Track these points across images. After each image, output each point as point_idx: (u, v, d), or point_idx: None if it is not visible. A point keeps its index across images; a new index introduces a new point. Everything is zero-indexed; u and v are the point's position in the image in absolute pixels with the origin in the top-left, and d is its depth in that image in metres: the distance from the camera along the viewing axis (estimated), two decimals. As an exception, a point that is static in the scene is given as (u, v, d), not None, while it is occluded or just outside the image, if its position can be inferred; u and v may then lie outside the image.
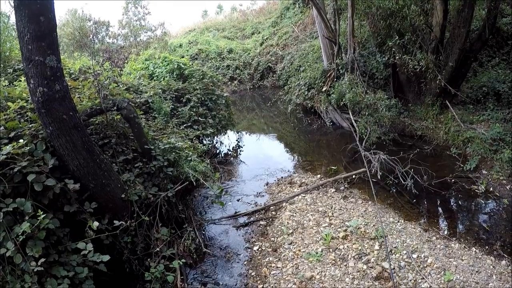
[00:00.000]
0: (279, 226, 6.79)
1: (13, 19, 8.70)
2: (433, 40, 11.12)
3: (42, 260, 3.80)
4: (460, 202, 7.79)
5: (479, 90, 11.31)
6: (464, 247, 5.91)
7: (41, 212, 3.89)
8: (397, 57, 11.21)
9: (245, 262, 6.03)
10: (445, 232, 6.51)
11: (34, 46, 4.06)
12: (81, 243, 4.33)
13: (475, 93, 11.34)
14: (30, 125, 4.77)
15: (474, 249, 5.83)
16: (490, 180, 8.13)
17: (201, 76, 11.15)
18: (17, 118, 4.96)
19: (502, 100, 10.59)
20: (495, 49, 14.06)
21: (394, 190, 8.14)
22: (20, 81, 6.32)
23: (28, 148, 4.30)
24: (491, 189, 7.88)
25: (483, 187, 7.89)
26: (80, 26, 17.57)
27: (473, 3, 10.23)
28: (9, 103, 5.10)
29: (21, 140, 4.30)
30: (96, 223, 4.41)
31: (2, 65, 7.71)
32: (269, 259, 5.94)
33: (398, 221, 6.72)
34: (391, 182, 8.34)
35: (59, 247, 4.31)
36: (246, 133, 14.52)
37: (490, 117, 9.96)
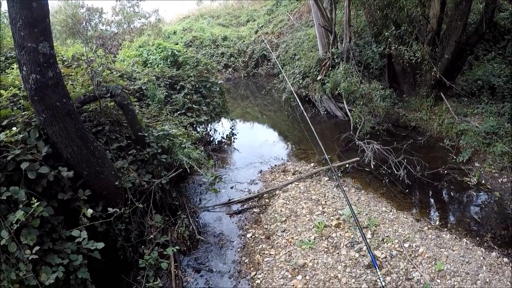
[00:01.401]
0: (273, 214, 6.83)
1: (4, 6, 8.65)
2: (429, 32, 11.10)
3: (37, 248, 3.81)
4: (452, 194, 7.84)
5: (474, 83, 11.33)
6: (455, 238, 5.99)
7: (35, 200, 3.89)
8: (393, 48, 11.18)
9: (239, 249, 6.08)
10: (437, 223, 6.57)
11: (26, 32, 4.01)
12: (75, 230, 4.34)
13: (470, 86, 11.35)
14: (23, 113, 4.74)
15: (465, 240, 5.91)
16: (482, 172, 8.18)
17: (195, 63, 11.09)
18: (9, 106, 4.93)
19: (496, 94, 10.64)
20: (491, 43, 14.06)
21: (387, 180, 8.18)
22: (13, 69, 6.26)
23: (21, 136, 4.28)
24: (483, 181, 7.94)
25: (475, 179, 7.95)
26: (73, 13, 17.36)
27: None
28: (2, 91, 5.06)
29: (14, 128, 4.28)
30: (90, 211, 4.42)
31: None
32: (262, 246, 6.00)
33: (391, 211, 6.80)
34: (384, 172, 8.37)
35: (53, 235, 4.31)
36: (240, 121, 14.52)
37: (484, 110, 10.00)
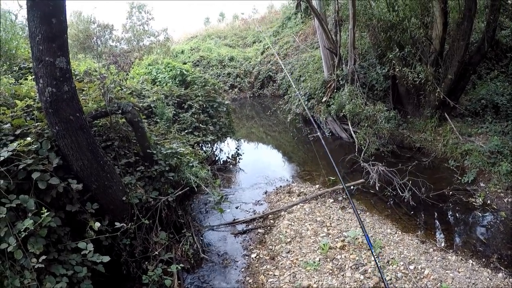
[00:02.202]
0: (277, 235, 6.80)
1: (20, 18, 8.81)
2: (432, 53, 11.20)
3: (43, 257, 3.82)
4: (457, 215, 7.79)
5: (477, 102, 11.36)
6: (461, 259, 5.93)
7: (45, 210, 3.92)
8: (397, 69, 11.29)
9: (243, 269, 6.03)
10: (442, 244, 6.53)
11: (45, 46, 4.11)
12: (81, 242, 4.35)
13: (473, 105, 11.38)
14: (36, 124, 4.81)
15: (471, 262, 5.84)
16: (487, 192, 8.14)
17: (203, 83, 11.21)
18: (23, 116, 5.00)
19: (500, 112, 10.66)
20: (494, 62, 14.15)
21: (392, 202, 8.15)
22: (26, 79, 6.36)
23: (34, 146, 4.33)
24: (488, 201, 7.90)
25: (480, 199, 7.91)
26: (85, 28, 17.62)
27: (473, 16, 10.28)
28: (17, 101, 5.14)
29: (28, 138, 4.34)
30: (97, 224, 4.45)
31: (8, 63, 7.74)
32: (266, 267, 5.95)
33: (396, 233, 6.75)
34: (389, 193, 8.36)
35: (59, 246, 4.33)
36: (245, 141, 14.56)
37: (488, 129, 10.00)
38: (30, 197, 4.05)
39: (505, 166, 8.22)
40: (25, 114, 5.12)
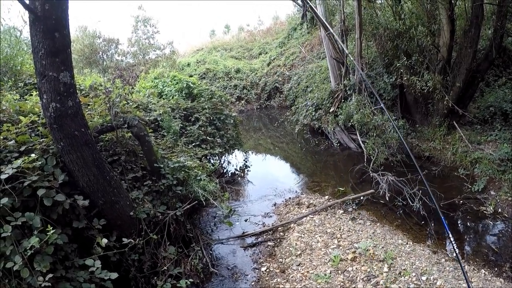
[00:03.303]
0: (287, 247, 6.69)
1: (25, 33, 8.86)
2: (440, 61, 11.14)
3: (50, 275, 3.75)
4: (468, 224, 7.68)
5: (486, 110, 11.25)
6: (473, 269, 5.81)
7: (51, 228, 3.86)
8: (405, 78, 11.23)
9: (253, 283, 5.93)
10: (454, 254, 6.28)
11: (48, 61, 4.08)
12: (89, 259, 4.28)
13: (482, 113, 11.28)
14: (41, 140, 4.78)
15: (483, 271, 5.73)
16: (498, 201, 8.02)
17: (210, 96, 11.19)
18: (28, 132, 4.97)
19: (509, 120, 10.53)
20: (501, 69, 14.03)
21: (402, 212, 8.03)
22: (31, 95, 6.35)
23: (38, 163, 4.29)
24: (499, 210, 7.78)
25: (491, 208, 7.79)
26: (90, 42, 17.73)
27: (480, 23, 10.23)
28: (21, 117, 5.12)
29: (32, 155, 4.29)
30: (105, 240, 4.38)
31: (13, 79, 7.77)
32: (277, 280, 5.84)
33: (407, 243, 6.62)
34: (399, 203, 8.23)
35: (66, 263, 4.25)
36: (253, 152, 14.47)
37: (497, 137, 9.89)
38: (35, 214, 4.00)
39: (516, 174, 8.10)
40: (30, 130, 5.09)
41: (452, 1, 10.56)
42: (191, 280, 5.54)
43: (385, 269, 5.74)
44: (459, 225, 7.71)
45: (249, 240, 7.24)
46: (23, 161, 4.14)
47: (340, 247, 6.50)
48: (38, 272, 3.76)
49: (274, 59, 27.06)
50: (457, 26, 11.00)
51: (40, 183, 4.14)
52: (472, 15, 10.17)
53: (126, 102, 7.53)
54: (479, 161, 9.26)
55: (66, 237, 4.25)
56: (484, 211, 7.78)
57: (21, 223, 3.84)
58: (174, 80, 12.12)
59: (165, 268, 5.42)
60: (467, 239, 7.25)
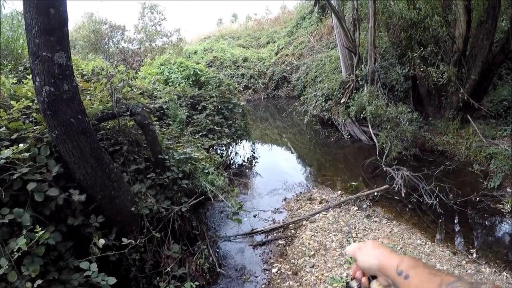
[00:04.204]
0: (300, 247, 6.28)
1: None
2: (455, 52, 10.87)
3: (39, 282, 3.32)
4: (486, 222, 7.38)
5: (499, 104, 11.09)
6: (495, 271, 5.56)
7: (39, 229, 3.43)
8: (421, 69, 10.94)
9: (263, 286, 5.53)
10: (474, 256, 6.05)
11: (42, 40, 3.63)
12: (84, 262, 3.86)
13: (495, 107, 11.10)
14: (35, 127, 4.33)
15: (505, 274, 5.48)
16: None
17: (218, 84, 10.77)
18: (21, 119, 4.54)
19: None
20: None
21: (418, 209, 7.68)
22: (29, 79, 5.96)
23: (29, 153, 3.85)
24: None
25: (509, 206, 7.52)
26: (96, 29, 17.38)
27: (497, 15, 10.03)
28: (13, 102, 4.68)
29: (21, 145, 3.85)
30: (102, 241, 3.94)
31: (13, 63, 7.42)
32: (289, 283, 5.44)
33: (426, 244, 6.30)
34: (414, 200, 7.88)
35: (60, 263, 3.84)
36: (260, 143, 14.11)
37: None
38: (26, 210, 3.58)
39: (533, 170, 7.86)
40: (23, 116, 4.66)
41: None
42: (197, 283, 5.12)
43: (406, 273, 5.35)
44: (477, 224, 7.44)
45: (259, 238, 6.84)
46: (12, 151, 3.71)
47: (357, 247, 6.09)
48: (27, 276, 3.35)
49: (282, 48, 26.72)
50: (473, 17, 10.70)
51: (31, 175, 3.71)
52: (489, 6, 9.94)
53: (130, 88, 7.11)
54: (494, 157, 9.04)
55: (60, 236, 3.83)
56: (502, 209, 7.52)
57: (8, 221, 3.43)
58: (181, 66, 11.73)
59: (169, 269, 5.02)
60: (486, 238, 7.01)
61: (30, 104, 4.83)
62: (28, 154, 3.80)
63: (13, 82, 5.76)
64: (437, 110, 11.86)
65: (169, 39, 22.30)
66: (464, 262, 5.77)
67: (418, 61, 11.11)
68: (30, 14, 3.61)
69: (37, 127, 4.33)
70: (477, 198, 7.94)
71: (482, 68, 10.37)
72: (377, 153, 10.71)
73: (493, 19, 9.95)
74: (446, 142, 10.73)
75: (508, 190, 8.13)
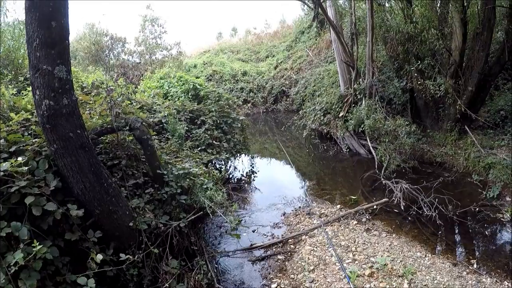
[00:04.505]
0: (299, 262, 6.24)
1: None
2: (452, 64, 11.08)
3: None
4: (486, 232, 7.36)
5: (496, 114, 11.26)
6: (496, 281, 5.56)
7: (37, 243, 3.41)
8: (419, 82, 11.08)
9: (262, 301, 5.48)
10: (475, 266, 6.05)
11: (42, 53, 3.66)
12: (81, 277, 3.82)
13: (493, 117, 11.27)
14: (34, 140, 4.33)
15: (507, 283, 5.49)
16: None
17: (217, 98, 10.82)
18: (20, 131, 4.55)
19: None
20: (510, 72, 13.96)
21: (417, 221, 7.68)
22: (29, 90, 5.97)
23: (28, 167, 3.84)
24: None
25: (508, 215, 7.62)
26: (97, 40, 17.47)
27: (492, 26, 10.20)
28: (12, 114, 4.68)
29: (19, 158, 3.86)
30: (100, 256, 3.92)
31: (14, 73, 7.45)
32: (288, 299, 5.40)
33: (426, 256, 6.30)
34: (414, 212, 7.88)
35: (57, 278, 3.80)
36: (259, 157, 14.08)
37: (510, 141, 9.81)
38: (23, 224, 3.57)
39: (531, 179, 7.94)
40: (22, 128, 4.67)
41: (465, 4, 10.54)
42: (195, 299, 5.07)
43: (405, 285, 5.43)
44: (477, 234, 7.43)
45: (258, 253, 6.78)
46: (10, 164, 3.70)
47: (356, 262, 6.12)
48: (23, 291, 3.32)
49: (281, 62, 26.90)
50: (468, 29, 10.95)
51: (29, 189, 3.70)
52: (485, 18, 10.14)
53: (129, 102, 7.12)
54: (492, 167, 9.12)
55: (57, 250, 3.81)
56: (501, 218, 7.62)
57: (5, 234, 3.42)
58: (181, 80, 11.80)
59: (167, 285, 4.96)
60: (486, 248, 6.99)
61: (30, 116, 4.85)
62: (26, 168, 3.78)
63: (12, 93, 5.77)
64: (435, 122, 11.96)
65: (169, 52, 22.41)
66: (464, 273, 5.78)
67: (415, 74, 11.22)
68: (31, 27, 3.65)
69: (36, 140, 4.34)
70: (477, 208, 8.01)
71: (478, 79, 10.52)
72: (376, 166, 10.73)
73: (489, 31, 10.12)
74: (445, 153, 10.83)
75: (508, 199, 8.19)
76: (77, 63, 18.47)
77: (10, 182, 3.67)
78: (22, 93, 6.05)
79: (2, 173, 3.62)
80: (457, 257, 6.41)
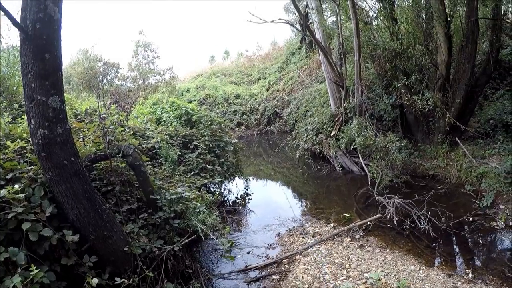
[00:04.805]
0: (294, 281, 6.26)
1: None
2: (439, 78, 11.24)
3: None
4: (481, 241, 7.44)
5: (486, 123, 11.37)
6: None
7: (34, 267, 3.51)
8: (406, 98, 11.30)
9: (258, 323, 5.52)
10: (470, 275, 6.07)
11: (37, 84, 3.83)
12: (77, 302, 3.90)
13: (483, 126, 11.38)
14: (30, 167, 4.47)
15: None
16: (508, 214, 7.87)
17: (209, 122, 10.99)
18: (16, 159, 4.68)
19: (511, 131, 10.53)
20: (498, 81, 14.20)
21: (411, 235, 7.72)
22: (24, 118, 6.07)
23: (22, 195, 3.96)
24: (511, 223, 7.65)
25: (502, 222, 7.68)
26: (90, 66, 17.63)
27: (476, 38, 10.41)
28: (8, 143, 4.81)
29: (16, 186, 3.99)
30: (95, 280, 3.99)
31: (8, 100, 7.52)
32: (284, 318, 5.44)
33: (420, 268, 6.33)
34: (407, 226, 7.93)
35: (53, 304, 3.87)
36: (254, 179, 14.17)
37: (501, 149, 9.88)
38: (21, 249, 3.68)
39: (523, 185, 8.04)
40: (18, 156, 4.79)
41: (448, 19, 10.73)
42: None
43: (400, 300, 5.42)
44: (471, 243, 7.51)
45: (253, 274, 6.79)
46: (7, 191, 3.83)
47: (350, 278, 6.15)
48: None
49: (273, 84, 27.17)
50: (453, 43, 11.15)
51: (26, 215, 3.84)
52: (468, 31, 10.35)
53: (122, 129, 7.25)
54: (485, 176, 9.21)
55: (54, 275, 3.90)
56: (496, 226, 7.70)
57: (3, 259, 3.53)
58: (173, 106, 11.95)
59: (163, 308, 5.02)
60: (481, 257, 7.03)
61: (25, 144, 4.96)
62: (23, 195, 3.90)
63: (8, 121, 5.87)
64: (426, 135, 12.11)
65: (162, 77, 22.56)
66: (459, 283, 5.81)
67: (402, 90, 11.46)
68: (26, 59, 3.82)
69: (32, 167, 4.46)
70: (470, 218, 8.08)
71: (466, 91, 10.70)
72: (369, 183, 10.76)
73: (473, 43, 10.32)
74: (437, 166, 10.95)
75: (501, 206, 8.24)
76: (71, 89, 18.54)
77: (7, 209, 3.79)
78: (17, 121, 6.14)
79: (-1, 200, 3.74)
80: (451, 268, 6.43)
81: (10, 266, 3.61)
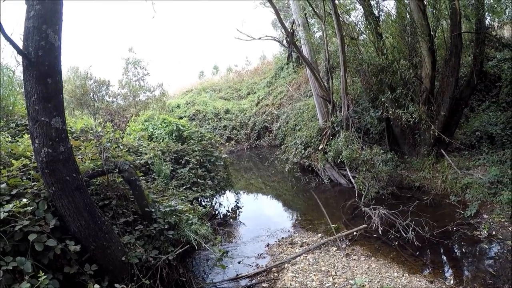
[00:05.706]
0: (282, 288, 6.59)
1: (18, 74, 8.87)
2: (424, 92, 11.44)
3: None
4: (463, 249, 7.71)
5: (472, 135, 11.55)
6: None
7: (42, 274, 3.81)
8: (391, 112, 11.50)
9: (249, 328, 5.79)
10: (451, 282, 6.33)
11: (40, 106, 4.16)
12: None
13: (468, 138, 11.57)
14: (33, 184, 4.78)
15: None
16: (492, 223, 8.12)
17: (200, 138, 11.30)
18: (19, 176, 4.98)
19: (495, 142, 10.81)
20: (484, 93, 14.39)
21: (396, 244, 7.96)
22: (23, 137, 6.34)
23: (30, 208, 4.28)
24: (493, 232, 7.87)
25: (485, 231, 7.89)
26: (81, 84, 17.76)
27: (460, 52, 10.61)
28: (13, 160, 5.12)
29: (24, 199, 4.30)
30: (97, 286, 4.29)
31: (5, 119, 7.73)
32: (273, 324, 5.72)
33: (403, 275, 6.58)
34: (392, 236, 8.20)
35: (57, 310, 4.16)
36: (244, 192, 14.41)
37: (486, 160, 10.11)
38: (27, 259, 3.96)
39: (506, 195, 8.30)
40: (21, 173, 5.09)
41: (432, 33, 10.97)
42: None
43: (382, 304, 5.63)
44: (455, 252, 7.74)
45: (243, 282, 7.08)
46: (14, 205, 4.13)
47: (336, 285, 6.42)
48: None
49: (262, 98, 27.41)
50: (437, 57, 11.41)
51: (32, 227, 4.13)
52: (452, 45, 10.60)
53: (117, 146, 7.55)
54: (469, 186, 9.43)
55: (58, 283, 4.19)
56: (479, 235, 7.88)
57: (12, 267, 3.81)
58: (164, 122, 12.24)
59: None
60: (464, 265, 7.23)
61: (28, 162, 5.26)
62: (30, 208, 4.21)
63: (7, 140, 6.15)
64: (412, 148, 12.33)
65: (152, 93, 22.70)
66: (440, 290, 6.01)
67: (387, 104, 11.74)
68: (30, 83, 4.16)
69: (35, 183, 4.77)
70: (454, 228, 8.30)
71: (450, 104, 10.93)
72: (356, 194, 11.01)
73: (456, 57, 10.56)
74: (423, 177, 11.17)
75: (485, 216, 8.47)
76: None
77: (13, 222, 4.08)
78: (16, 139, 6.40)
79: (6, 214, 4.03)
80: (434, 275, 6.61)
81: (17, 275, 3.88)
